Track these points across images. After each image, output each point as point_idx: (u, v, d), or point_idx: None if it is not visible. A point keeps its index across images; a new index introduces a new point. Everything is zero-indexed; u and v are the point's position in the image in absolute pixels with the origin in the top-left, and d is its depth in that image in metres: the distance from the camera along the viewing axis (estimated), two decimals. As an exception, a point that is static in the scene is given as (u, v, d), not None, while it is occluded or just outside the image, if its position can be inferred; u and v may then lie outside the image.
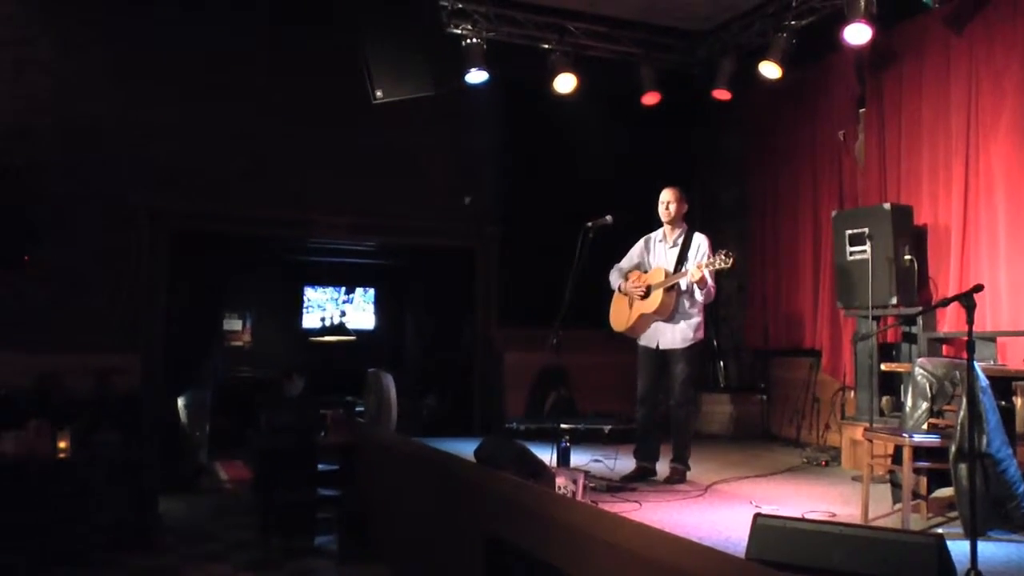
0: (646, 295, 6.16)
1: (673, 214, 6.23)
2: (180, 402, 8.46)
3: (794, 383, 8.73)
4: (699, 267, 5.84)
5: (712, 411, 9.14)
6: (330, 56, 8.42)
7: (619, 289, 6.36)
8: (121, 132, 8.04)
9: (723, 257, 5.73)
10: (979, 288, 4.23)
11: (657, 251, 6.34)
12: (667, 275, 6.10)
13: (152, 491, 6.64)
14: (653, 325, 6.18)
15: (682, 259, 6.13)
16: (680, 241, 6.23)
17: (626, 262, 6.42)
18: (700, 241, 6.17)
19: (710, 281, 5.93)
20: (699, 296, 6.03)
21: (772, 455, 7.72)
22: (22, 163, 7.56)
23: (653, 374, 6.22)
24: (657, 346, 6.19)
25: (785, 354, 9.01)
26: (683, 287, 6.05)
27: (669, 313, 6.09)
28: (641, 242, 6.43)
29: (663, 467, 6.22)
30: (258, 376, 10.65)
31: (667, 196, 6.25)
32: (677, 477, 6.09)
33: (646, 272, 6.33)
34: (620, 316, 6.35)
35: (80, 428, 6.35)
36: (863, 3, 7.12)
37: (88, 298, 7.87)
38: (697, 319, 6.13)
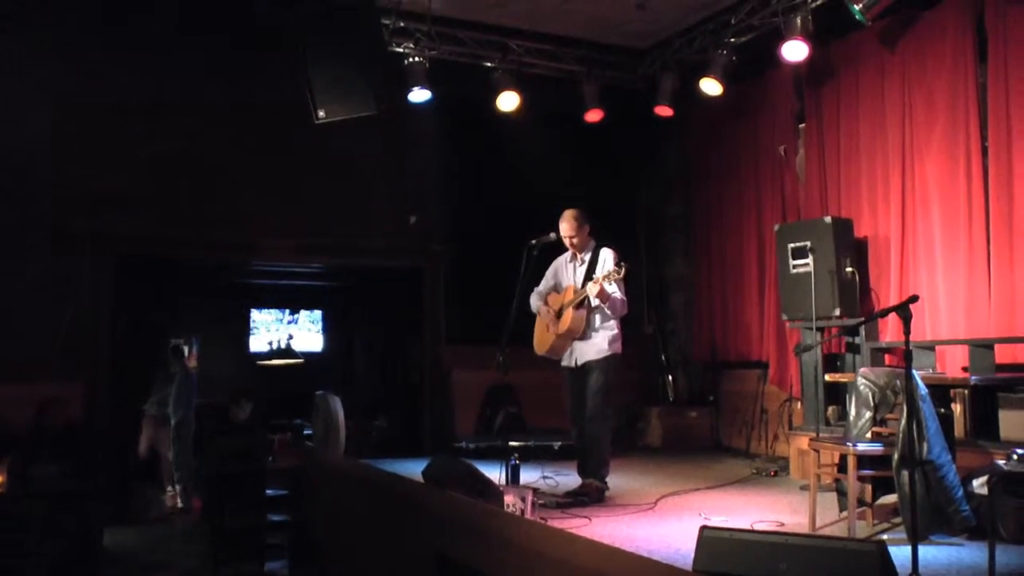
0: (559, 315, 6.16)
1: (577, 243, 6.20)
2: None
3: (743, 395, 8.82)
4: (595, 282, 5.82)
5: (661, 424, 9.20)
6: (274, 79, 8.35)
7: (539, 312, 6.35)
8: (62, 156, 7.89)
9: (615, 269, 5.75)
10: (914, 299, 4.33)
11: (567, 270, 6.33)
12: (575, 293, 6.09)
13: (97, 522, 6.48)
14: (572, 344, 6.15)
15: (589, 275, 6.09)
16: (587, 258, 6.20)
17: (543, 285, 6.41)
18: (606, 256, 6.11)
19: (615, 293, 5.92)
20: (608, 311, 6.01)
21: (722, 466, 7.79)
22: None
23: (579, 392, 6.15)
24: (576, 363, 6.16)
25: (733, 366, 9.11)
26: (593, 303, 6.01)
27: (582, 330, 6.06)
28: (553, 264, 6.42)
29: (611, 481, 6.20)
30: (205, 401, 10.47)
31: (566, 230, 6.15)
32: (594, 494, 5.95)
33: (561, 293, 6.33)
34: (541, 339, 6.32)
35: (17, 461, 6.18)
36: (800, 21, 7.29)
37: (28, 326, 7.68)
38: (611, 333, 6.08)
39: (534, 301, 6.38)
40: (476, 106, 8.69)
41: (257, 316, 12.22)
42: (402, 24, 8.06)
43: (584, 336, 6.08)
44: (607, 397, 6.07)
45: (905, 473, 4.45)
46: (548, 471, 6.92)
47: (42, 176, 7.83)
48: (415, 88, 8.13)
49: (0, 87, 7.73)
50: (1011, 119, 6.35)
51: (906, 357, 4.17)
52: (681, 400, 9.63)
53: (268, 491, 7.02)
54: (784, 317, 7.69)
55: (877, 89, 7.46)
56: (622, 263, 5.77)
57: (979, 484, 4.72)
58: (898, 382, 4.97)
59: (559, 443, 8.06)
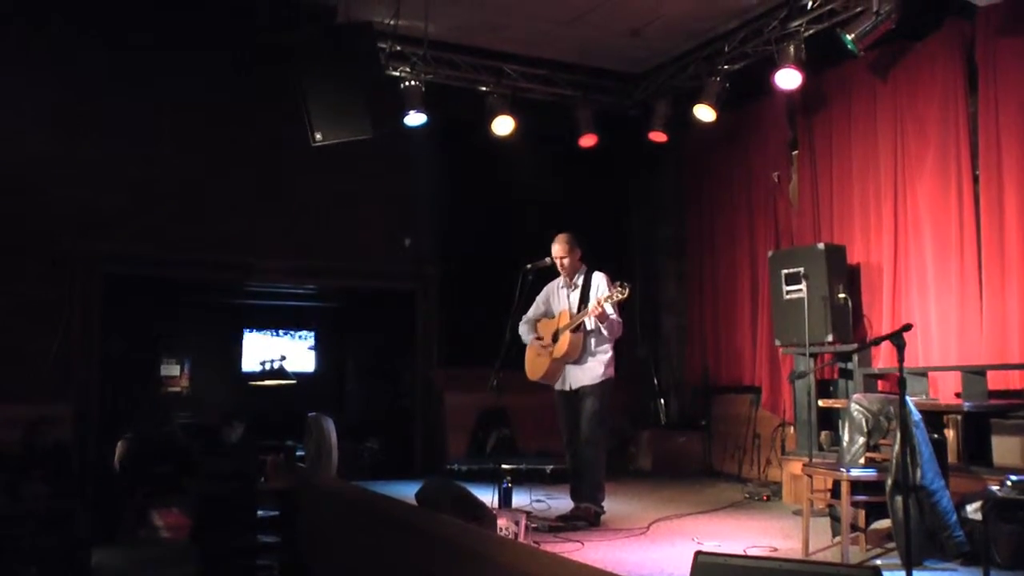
0: (554, 339, 6.16)
1: (568, 265, 6.21)
2: None
3: (735, 419, 8.82)
4: (598, 302, 5.84)
5: (653, 448, 9.18)
6: (268, 99, 8.36)
7: (530, 342, 6.34)
8: (52, 176, 7.84)
9: (619, 289, 5.77)
10: (908, 327, 4.37)
11: (560, 296, 6.33)
12: (571, 317, 6.09)
13: (84, 543, 6.43)
14: (565, 368, 6.15)
15: (584, 299, 6.10)
16: (580, 282, 6.22)
17: (532, 312, 6.41)
18: (599, 280, 6.13)
19: (612, 315, 5.94)
20: (605, 332, 6.01)
21: (714, 491, 7.78)
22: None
23: (571, 417, 6.16)
24: (570, 387, 6.15)
25: (725, 391, 9.11)
26: (589, 326, 6.02)
27: (578, 354, 6.06)
28: (544, 290, 6.42)
29: (606, 505, 6.19)
30: (197, 422, 10.42)
31: (558, 251, 6.19)
32: (589, 518, 5.95)
33: (552, 319, 6.34)
34: (534, 365, 6.31)
35: (6, 480, 6.14)
36: (792, 49, 7.37)
37: (17, 346, 7.62)
38: (606, 356, 6.08)
39: (524, 330, 6.37)
40: (471, 130, 8.73)
41: (251, 338, 12.17)
42: (398, 48, 8.10)
43: (579, 360, 6.08)
44: (602, 422, 6.07)
45: (899, 499, 4.47)
46: (540, 494, 6.90)
47: (33, 196, 7.77)
48: (411, 111, 8.15)
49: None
50: (1001, 148, 6.42)
51: (900, 384, 4.20)
52: (673, 424, 9.61)
53: (259, 512, 6.98)
54: (777, 342, 7.71)
55: (869, 117, 7.53)
56: (625, 284, 5.77)
57: (973, 510, 4.73)
58: (891, 408, 4.99)
59: (551, 467, 8.04)
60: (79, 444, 7.63)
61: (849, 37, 6.71)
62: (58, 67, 7.94)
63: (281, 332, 12.24)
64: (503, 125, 8.58)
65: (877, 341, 5.43)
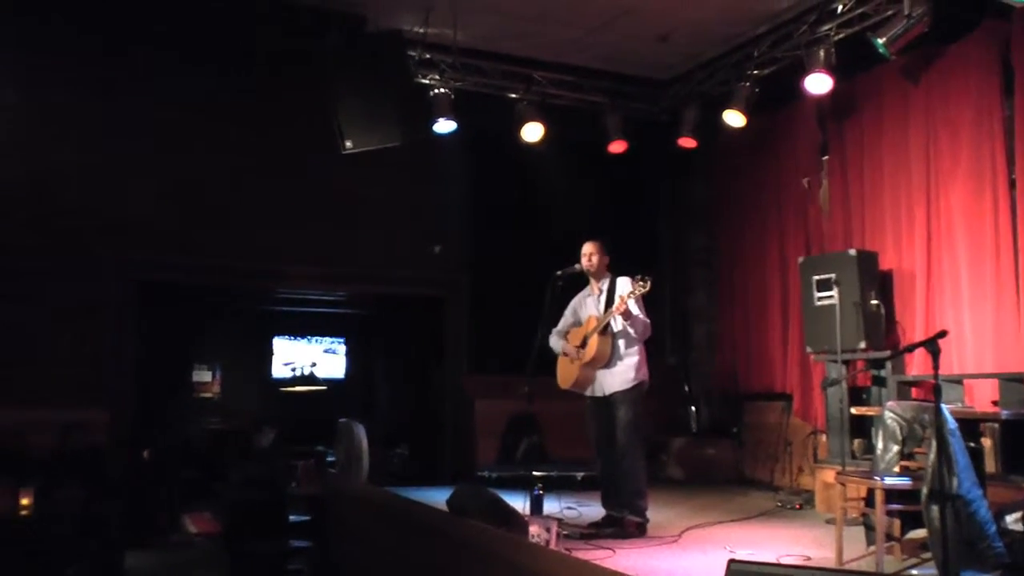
0: (583, 345, 6.13)
1: (596, 265, 6.20)
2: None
3: (766, 427, 8.76)
4: (621, 299, 5.82)
5: (684, 455, 9.14)
6: (299, 107, 8.44)
7: (561, 351, 6.32)
8: (87, 182, 7.95)
9: (640, 283, 5.75)
10: (943, 334, 4.31)
11: (587, 305, 6.32)
12: (598, 321, 6.08)
13: (118, 546, 6.50)
14: (596, 374, 6.12)
15: (610, 304, 6.07)
16: (605, 287, 6.21)
17: (562, 324, 6.40)
18: (623, 282, 6.09)
19: (636, 312, 5.92)
20: (632, 331, 5.98)
21: (746, 499, 7.73)
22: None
23: (602, 422, 6.12)
24: (602, 393, 6.11)
25: (756, 398, 9.05)
26: (616, 328, 5.99)
27: (608, 358, 6.03)
28: (572, 302, 6.42)
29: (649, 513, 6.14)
30: (228, 427, 10.51)
31: (588, 249, 6.22)
32: (634, 530, 5.88)
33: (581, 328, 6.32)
34: (565, 373, 6.29)
35: (42, 484, 6.22)
36: (822, 53, 7.31)
37: (52, 352, 7.71)
38: (636, 359, 6.04)
39: (554, 342, 6.36)
40: (500, 136, 8.74)
41: (279, 343, 12.27)
42: (428, 56, 8.15)
43: (609, 364, 6.04)
44: (637, 430, 6.01)
45: (935, 508, 4.40)
46: (570, 502, 6.89)
47: (67, 203, 7.87)
48: (440, 119, 8.18)
49: (26, 115, 7.83)
50: (1038, 152, 6.34)
51: (936, 391, 4.14)
52: (704, 432, 9.56)
53: (291, 517, 7.03)
54: (808, 349, 7.65)
55: (901, 122, 7.46)
56: (645, 278, 5.75)
57: (1013, 520, 4.66)
58: (926, 416, 4.93)
59: (581, 473, 8.03)
60: (112, 448, 7.70)
61: (880, 41, 6.65)
62: (92, 73, 8.04)
63: (311, 338, 12.32)
64: (532, 132, 8.58)
65: (912, 348, 5.36)
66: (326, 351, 12.27)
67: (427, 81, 8.24)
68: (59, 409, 7.45)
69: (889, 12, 6.76)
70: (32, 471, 6.34)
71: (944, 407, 4.48)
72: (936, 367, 4.13)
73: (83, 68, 8.03)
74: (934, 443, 4.42)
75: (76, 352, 7.82)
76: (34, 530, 5.96)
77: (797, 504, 7.26)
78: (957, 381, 6.53)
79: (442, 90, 8.24)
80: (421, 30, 7.81)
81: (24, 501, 5.99)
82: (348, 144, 7.27)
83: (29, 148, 7.82)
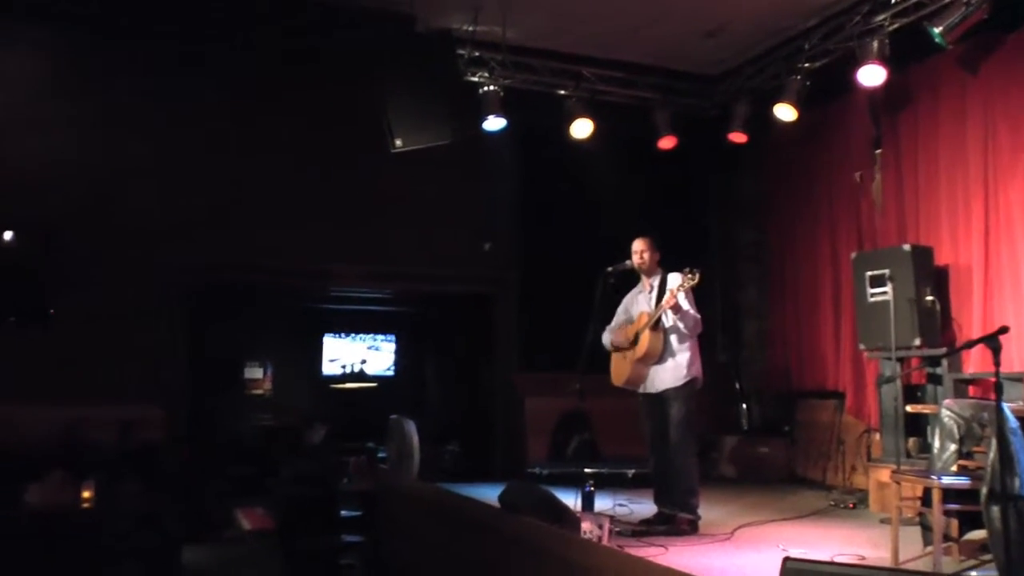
0: (635, 342, 6.11)
1: (647, 261, 6.20)
2: None
3: (818, 425, 8.65)
4: (671, 292, 5.81)
5: (735, 453, 9.07)
6: (350, 107, 8.51)
7: (611, 344, 6.32)
8: (145, 187, 8.10)
9: (689, 276, 5.74)
10: (1005, 330, 4.23)
11: (639, 302, 6.31)
12: (649, 316, 6.05)
13: (176, 540, 6.62)
14: (649, 371, 6.10)
15: (661, 300, 6.05)
16: (656, 284, 6.19)
17: (615, 323, 6.40)
18: (674, 278, 6.05)
19: (685, 306, 5.89)
20: (683, 327, 5.95)
21: (798, 498, 7.65)
22: (44, 219, 7.66)
23: (656, 419, 6.11)
24: (655, 390, 6.10)
25: (809, 396, 8.95)
26: (667, 323, 5.98)
27: (659, 354, 6.01)
28: (624, 301, 6.42)
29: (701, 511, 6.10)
30: (279, 424, 10.65)
31: (639, 246, 6.22)
32: (686, 527, 5.87)
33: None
34: (618, 370, 6.29)
35: (103, 478, 6.36)
36: (876, 45, 7.19)
37: (112, 351, 7.88)
38: (688, 355, 6.02)
39: (606, 338, 6.36)
40: (549, 133, 8.74)
41: (330, 340, 12.39)
42: (477, 54, 8.17)
43: (661, 359, 6.03)
44: (690, 427, 6.00)
45: (996, 508, 4.31)
46: (622, 499, 6.87)
47: (123, 206, 8.02)
48: (490, 116, 8.20)
49: (83, 119, 7.99)
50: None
51: (997, 389, 4.07)
52: (755, 429, 9.47)
53: (343, 512, 7.10)
54: (861, 346, 7.55)
55: (958, 114, 7.31)
56: (694, 270, 5.74)
57: (1077, 521, 4.55)
58: (985, 414, 4.84)
59: (633, 471, 8.00)
60: (168, 445, 7.85)
61: (937, 30, 6.52)
62: (142, 76, 8.18)
63: (362, 336, 12.43)
64: (582, 128, 8.57)
65: (971, 344, 5.24)
66: (370, 348, 12.37)
67: (476, 79, 8.27)
68: (118, 406, 7.63)
69: (946, 0, 6.63)
70: (93, 466, 6.47)
71: (1005, 405, 4.39)
72: (997, 364, 4.05)
73: (139, 73, 8.16)
74: (994, 442, 4.34)
75: (134, 351, 7.98)
76: (94, 523, 6.09)
77: (850, 503, 7.17)
78: (1017, 379, 6.38)
79: (491, 88, 8.26)
80: (470, 28, 7.83)
81: (86, 494, 6.12)
82: (398, 142, 7.32)
83: (86, 155, 7.97)
